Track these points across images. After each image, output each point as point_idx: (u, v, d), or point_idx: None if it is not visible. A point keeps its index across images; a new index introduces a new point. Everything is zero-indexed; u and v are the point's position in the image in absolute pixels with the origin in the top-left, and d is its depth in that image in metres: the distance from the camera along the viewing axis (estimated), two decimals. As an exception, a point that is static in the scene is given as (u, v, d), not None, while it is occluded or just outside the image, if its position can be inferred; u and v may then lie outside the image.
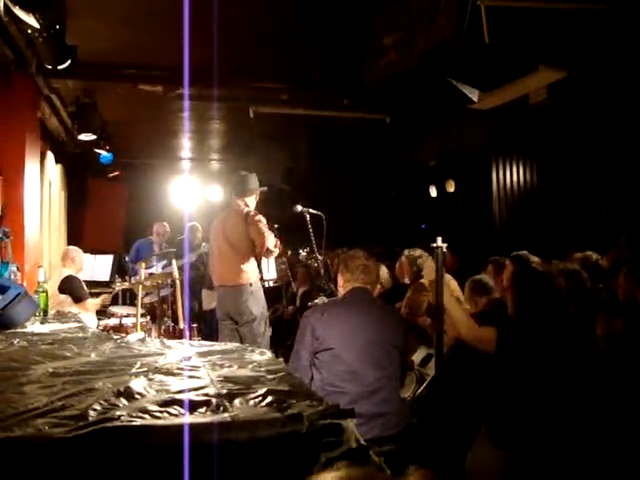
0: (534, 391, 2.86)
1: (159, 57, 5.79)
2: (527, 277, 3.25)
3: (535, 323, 3.00)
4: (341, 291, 3.54)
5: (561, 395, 2.82)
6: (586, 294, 3.93)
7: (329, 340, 3.24)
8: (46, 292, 4.00)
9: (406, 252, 5.92)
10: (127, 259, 7.99)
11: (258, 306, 5.37)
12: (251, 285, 5.33)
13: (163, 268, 6.76)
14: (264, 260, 5.51)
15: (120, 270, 7.85)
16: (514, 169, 9.38)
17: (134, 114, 7.94)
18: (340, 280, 3.54)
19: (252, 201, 5.59)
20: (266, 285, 5.68)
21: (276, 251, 5.44)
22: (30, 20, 3.71)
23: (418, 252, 5.72)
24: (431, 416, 3.42)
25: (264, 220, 5.34)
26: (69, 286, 5.86)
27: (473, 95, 4.48)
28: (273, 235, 5.40)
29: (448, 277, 5.06)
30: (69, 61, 4.65)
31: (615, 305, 3.82)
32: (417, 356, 4.87)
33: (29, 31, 4.01)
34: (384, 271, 6.53)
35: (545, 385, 2.85)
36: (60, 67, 4.69)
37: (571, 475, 2.70)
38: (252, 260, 5.37)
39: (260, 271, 5.48)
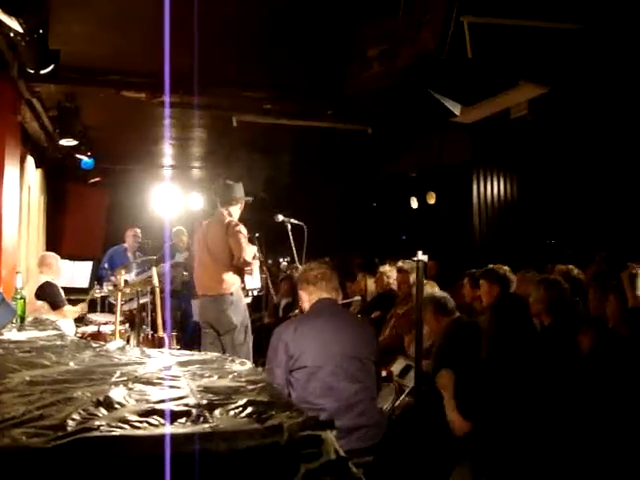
0: (516, 419, 2.85)
1: (143, 64, 5.77)
2: (506, 308, 3.30)
3: (513, 348, 3.02)
4: (307, 306, 3.49)
5: (543, 416, 2.81)
6: (565, 305, 3.97)
7: (303, 357, 3.20)
8: (24, 299, 3.95)
9: (400, 264, 5.97)
10: (103, 266, 7.96)
11: (238, 315, 5.36)
12: (232, 294, 5.33)
13: (137, 275, 6.73)
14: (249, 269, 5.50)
15: (99, 277, 7.80)
16: (495, 182, 9.49)
17: (116, 120, 7.89)
18: (304, 296, 3.49)
19: (236, 210, 5.59)
20: (250, 294, 5.68)
21: (255, 262, 5.45)
22: (13, 24, 3.68)
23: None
24: (411, 429, 3.42)
25: (244, 231, 5.34)
26: (46, 293, 5.80)
27: (455, 108, 4.53)
28: (251, 247, 5.41)
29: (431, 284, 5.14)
30: (52, 65, 4.62)
31: (588, 320, 3.86)
32: (396, 367, 4.89)
33: (11, 34, 3.97)
34: (370, 282, 6.59)
35: (527, 410, 2.84)
36: (43, 71, 4.65)
37: None
38: (233, 270, 5.36)
39: (243, 281, 5.47)
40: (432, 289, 5.06)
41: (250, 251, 5.33)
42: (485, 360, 3.18)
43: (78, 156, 8.11)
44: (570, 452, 2.74)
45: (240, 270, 5.39)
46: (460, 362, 3.43)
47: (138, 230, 8.44)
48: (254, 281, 5.61)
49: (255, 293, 5.86)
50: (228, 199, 5.55)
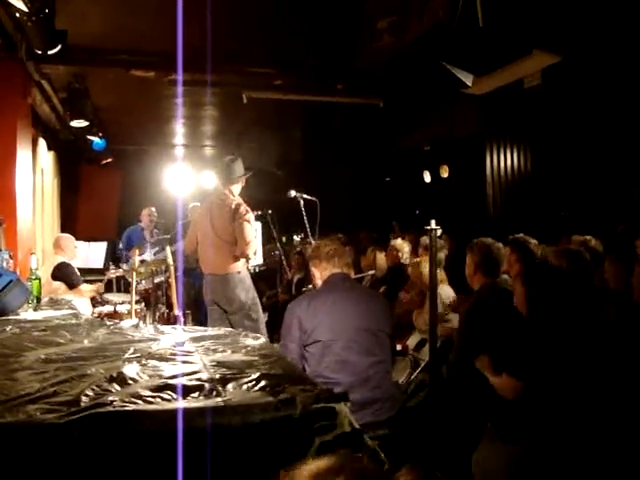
0: (544, 385, 2.81)
1: (152, 42, 5.72)
2: (539, 275, 3.19)
3: (548, 319, 2.95)
4: (319, 282, 3.48)
5: (573, 386, 2.77)
6: (586, 276, 3.91)
7: (317, 332, 3.19)
8: (39, 279, 3.98)
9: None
10: (120, 247, 8.00)
11: (247, 293, 5.38)
12: (239, 273, 5.35)
13: (155, 255, 6.76)
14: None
15: (114, 258, 7.85)
16: (508, 154, 9.39)
17: (127, 100, 7.87)
18: (316, 272, 3.48)
19: (238, 188, 5.57)
20: (252, 270, 5.70)
21: (254, 258, 5.49)
22: (19, 4, 3.66)
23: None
24: (426, 401, 3.41)
25: (252, 217, 5.31)
26: (62, 273, 5.85)
27: (467, 79, 4.47)
28: (255, 240, 5.42)
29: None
30: (59, 46, 4.59)
31: (606, 292, 3.81)
32: (411, 341, 4.90)
33: (18, 15, 3.95)
34: (380, 257, 6.55)
35: (559, 377, 2.80)
36: (50, 52, 4.63)
37: (582, 470, 2.66)
38: None
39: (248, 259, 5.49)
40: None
41: (253, 247, 5.32)
42: (527, 319, 3.10)
43: (90, 137, 8.12)
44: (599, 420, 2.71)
45: None
46: (497, 324, 3.35)
47: (153, 209, 8.45)
48: (257, 257, 5.65)
49: (257, 269, 5.90)
50: (230, 178, 5.53)
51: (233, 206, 5.33)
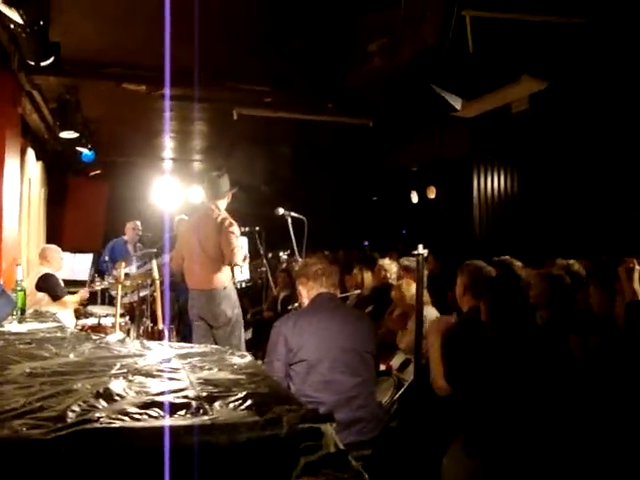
0: (507, 400, 2.90)
1: (143, 56, 5.75)
2: (497, 283, 3.31)
3: (507, 330, 3.04)
4: (306, 301, 3.50)
5: (533, 404, 2.85)
6: (566, 301, 3.95)
7: (302, 351, 3.21)
8: (24, 290, 3.95)
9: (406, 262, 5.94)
10: (104, 259, 7.98)
11: (232, 309, 5.39)
12: (225, 289, 5.35)
13: (138, 268, 6.74)
14: None
15: (99, 270, 7.81)
16: (495, 176, 9.49)
17: (117, 113, 7.88)
18: (303, 291, 3.50)
19: (224, 203, 5.60)
20: (238, 286, 5.70)
21: (244, 264, 5.48)
22: (13, 15, 3.67)
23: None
24: (410, 421, 3.44)
25: (237, 231, 5.34)
26: (46, 284, 5.81)
27: (456, 103, 4.52)
28: (243, 248, 5.42)
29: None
30: (52, 58, 4.60)
31: (589, 317, 3.85)
32: (395, 361, 4.90)
33: (12, 26, 3.96)
34: (367, 276, 6.58)
35: (517, 394, 2.89)
36: (43, 63, 4.64)
37: None
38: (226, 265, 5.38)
39: (233, 272, 5.49)
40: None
41: (241, 254, 5.33)
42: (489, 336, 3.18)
43: (79, 149, 8.10)
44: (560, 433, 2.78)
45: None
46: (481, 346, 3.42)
47: (138, 223, 8.48)
48: (243, 273, 5.65)
49: (243, 285, 5.89)
50: (215, 194, 5.56)
51: (219, 220, 5.35)
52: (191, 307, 5.55)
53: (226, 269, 5.39)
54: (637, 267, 3.28)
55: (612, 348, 3.19)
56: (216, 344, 5.04)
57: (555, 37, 4.20)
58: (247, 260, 5.57)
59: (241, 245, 5.46)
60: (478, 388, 3.02)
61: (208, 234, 5.36)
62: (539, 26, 4.04)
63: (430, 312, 4.98)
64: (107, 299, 7.52)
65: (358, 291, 6.44)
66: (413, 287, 5.02)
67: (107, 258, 7.86)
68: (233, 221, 5.39)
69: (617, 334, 3.29)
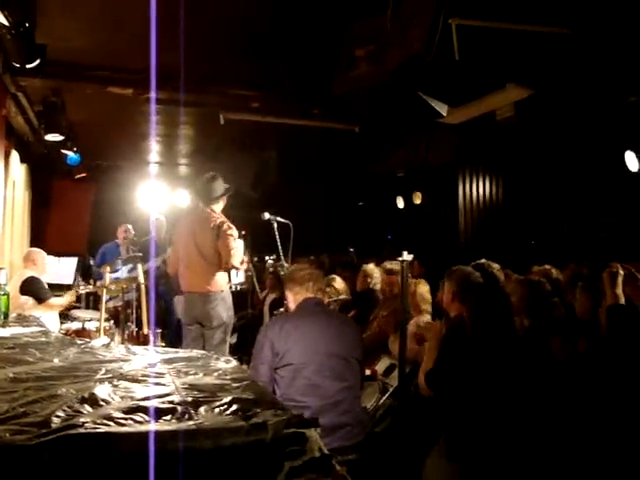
0: (487, 405, 2.92)
1: (130, 60, 5.74)
2: (479, 289, 3.34)
3: (489, 335, 3.06)
4: (292, 306, 3.52)
5: (514, 409, 2.88)
6: (546, 307, 3.99)
7: (288, 355, 3.22)
8: (7, 295, 3.91)
9: (388, 265, 5.91)
10: (93, 263, 7.93)
11: (227, 312, 5.38)
12: (222, 292, 5.35)
13: (129, 272, 6.71)
14: None
15: (85, 274, 7.76)
16: (480, 183, 9.54)
17: (103, 116, 7.85)
18: (289, 295, 3.53)
19: (220, 206, 5.59)
20: (233, 289, 5.70)
21: (241, 267, 5.47)
22: (-1, 17, 3.66)
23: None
24: (394, 426, 3.45)
25: (235, 233, 5.34)
26: (31, 287, 5.77)
27: (442, 109, 4.55)
28: (240, 250, 5.42)
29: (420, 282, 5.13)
30: (38, 60, 4.59)
31: (572, 321, 3.89)
32: (380, 366, 4.91)
33: (-3, 28, 3.95)
34: (339, 282, 6.53)
35: (498, 400, 2.91)
36: (28, 66, 4.62)
37: None
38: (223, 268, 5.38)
39: (229, 276, 5.50)
40: (423, 287, 5.07)
41: (239, 256, 5.33)
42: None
43: (64, 152, 8.06)
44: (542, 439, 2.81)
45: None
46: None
47: (129, 226, 8.39)
48: (238, 276, 5.66)
49: (238, 287, 5.90)
50: (211, 198, 5.54)
51: (217, 223, 5.35)
52: (184, 311, 5.54)
53: (224, 274, 5.39)
54: (621, 272, 3.34)
55: (597, 351, 3.23)
56: (204, 345, 5.06)
57: (540, 46, 4.24)
58: (244, 264, 5.55)
59: (238, 248, 5.45)
60: (459, 392, 3.04)
61: (206, 237, 5.36)
62: (525, 35, 4.09)
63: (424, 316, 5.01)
64: (92, 303, 7.47)
65: (343, 296, 6.44)
66: (423, 286, 5.06)
67: (92, 263, 7.81)
68: (231, 224, 5.39)
69: (600, 338, 3.34)
